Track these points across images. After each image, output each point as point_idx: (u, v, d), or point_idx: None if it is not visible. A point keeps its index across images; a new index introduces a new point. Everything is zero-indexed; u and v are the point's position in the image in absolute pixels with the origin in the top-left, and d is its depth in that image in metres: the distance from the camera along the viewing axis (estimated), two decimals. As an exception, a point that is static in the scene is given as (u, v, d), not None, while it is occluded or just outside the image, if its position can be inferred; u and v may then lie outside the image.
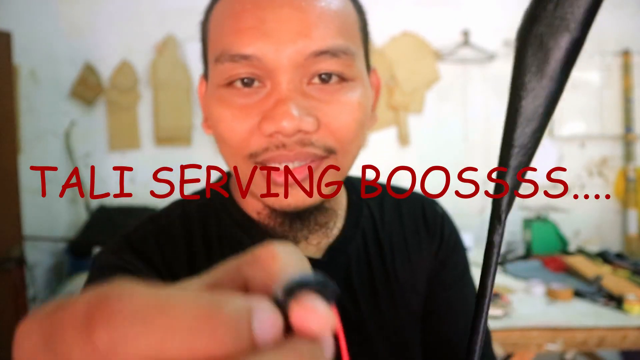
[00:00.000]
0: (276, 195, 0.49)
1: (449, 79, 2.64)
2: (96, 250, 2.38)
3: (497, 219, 0.30)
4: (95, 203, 2.65)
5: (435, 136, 2.67)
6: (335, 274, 0.58)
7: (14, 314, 2.02)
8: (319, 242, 0.58)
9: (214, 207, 0.59)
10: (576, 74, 2.63)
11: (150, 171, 2.68)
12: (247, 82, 0.48)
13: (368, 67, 0.55)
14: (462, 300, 0.64)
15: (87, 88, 2.66)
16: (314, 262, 0.56)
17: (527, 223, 2.22)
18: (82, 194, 2.66)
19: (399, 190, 0.69)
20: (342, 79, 0.49)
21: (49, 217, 2.66)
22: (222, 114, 0.49)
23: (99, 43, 2.66)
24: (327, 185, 0.50)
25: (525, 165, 0.31)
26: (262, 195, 0.50)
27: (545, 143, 2.66)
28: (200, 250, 0.56)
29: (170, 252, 0.55)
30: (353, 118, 0.49)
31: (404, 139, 2.65)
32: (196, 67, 2.62)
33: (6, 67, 2.07)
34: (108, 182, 2.70)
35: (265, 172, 0.49)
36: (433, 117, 2.66)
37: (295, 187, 0.49)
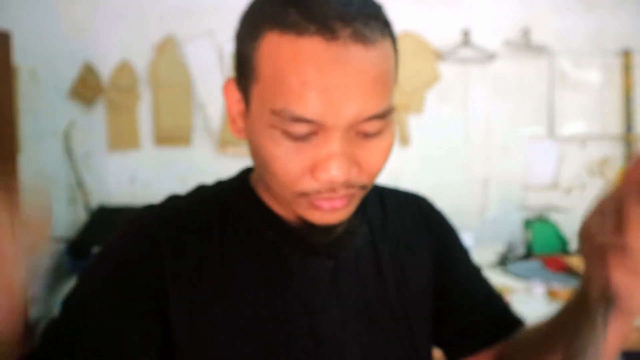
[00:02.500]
0: (320, 216, 0.56)
1: (449, 79, 2.64)
2: (95, 250, 2.38)
3: None
4: (94, 203, 2.65)
5: (435, 136, 2.67)
6: (345, 256, 0.63)
7: (14, 314, 2.02)
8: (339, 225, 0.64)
9: (236, 195, 0.65)
10: (577, 73, 2.63)
11: (150, 171, 2.68)
12: (302, 137, 0.51)
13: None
14: (473, 268, 0.75)
15: (87, 88, 2.66)
16: (325, 244, 0.62)
17: (528, 223, 2.22)
18: (81, 194, 2.66)
19: (393, 189, 0.76)
20: (381, 130, 0.54)
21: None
22: (274, 153, 0.52)
23: (99, 43, 2.66)
24: (355, 207, 0.58)
25: None
26: (307, 215, 0.56)
27: (545, 143, 2.66)
28: (215, 229, 0.61)
29: (186, 227, 0.60)
30: (385, 157, 0.56)
31: (404, 139, 2.65)
32: (196, 67, 2.62)
33: (6, 67, 2.07)
34: (108, 182, 2.70)
35: (311, 201, 0.55)
36: (433, 117, 2.66)
37: (337, 212, 0.55)
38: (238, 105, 0.58)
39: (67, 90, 2.67)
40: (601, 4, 2.62)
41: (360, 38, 0.49)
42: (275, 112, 0.50)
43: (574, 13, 2.63)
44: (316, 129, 0.50)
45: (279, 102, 0.50)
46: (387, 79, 0.53)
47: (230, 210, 0.63)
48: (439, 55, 2.62)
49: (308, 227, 0.59)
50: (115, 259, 0.58)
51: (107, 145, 2.70)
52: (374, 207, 0.70)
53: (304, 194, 0.54)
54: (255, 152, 0.56)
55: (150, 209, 0.63)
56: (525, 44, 2.61)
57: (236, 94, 0.58)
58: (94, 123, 2.69)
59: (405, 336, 0.65)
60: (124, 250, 0.59)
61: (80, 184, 2.65)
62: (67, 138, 2.67)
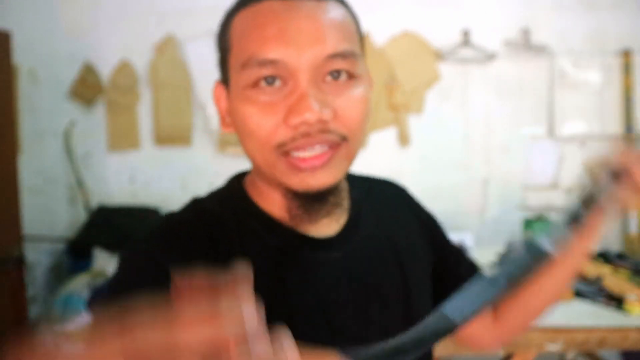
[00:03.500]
0: (300, 179, 0.56)
1: (449, 79, 2.64)
2: (95, 250, 2.38)
3: None
4: (94, 203, 2.65)
5: (435, 136, 2.67)
6: (355, 246, 0.65)
7: (14, 313, 2.02)
8: (339, 219, 0.66)
9: (232, 204, 0.65)
10: (577, 73, 2.63)
11: (150, 171, 2.68)
12: (270, 81, 0.55)
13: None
14: (455, 248, 0.80)
15: (87, 88, 2.66)
16: (335, 239, 0.64)
17: (528, 223, 2.22)
18: (81, 194, 2.66)
19: (367, 176, 0.79)
20: (350, 76, 0.57)
21: (49, 217, 2.66)
22: (249, 112, 0.56)
23: (99, 43, 2.66)
24: (342, 168, 0.59)
25: None
26: (287, 180, 0.57)
27: (545, 143, 2.66)
28: (221, 243, 0.61)
29: (191, 245, 0.59)
30: (361, 109, 0.58)
31: (404, 139, 2.65)
32: (196, 67, 2.62)
33: (6, 66, 2.07)
34: (108, 182, 2.70)
35: (290, 160, 0.56)
36: (433, 117, 2.66)
37: (316, 171, 0.56)
38: (225, 102, 0.62)
39: (67, 90, 2.67)
40: (601, 4, 2.62)
41: None
42: (244, 65, 0.55)
43: (574, 13, 2.63)
44: (284, 75, 0.54)
45: (245, 54, 0.56)
46: (344, 28, 0.57)
47: (230, 221, 0.62)
48: (439, 55, 2.62)
49: (301, 215, 0.60)
50: (126, 282, 0.57)
51: (107, 145, 2.70)
52: (362, 196, 0.72)
53: (280, 147, 0.55)
54: (237, 126, 0.59)
55: (150, 237, 0.60)
56: (525, 44, 2.61)
57: (222, 92, 0.63)
58: (94, 123, 2.69)
59: (411, 317, 0.66)
60: (135, 276, 0.57)
61: (80, 184, 2.65)
62: (67, 138, 2.67)
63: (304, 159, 0.56)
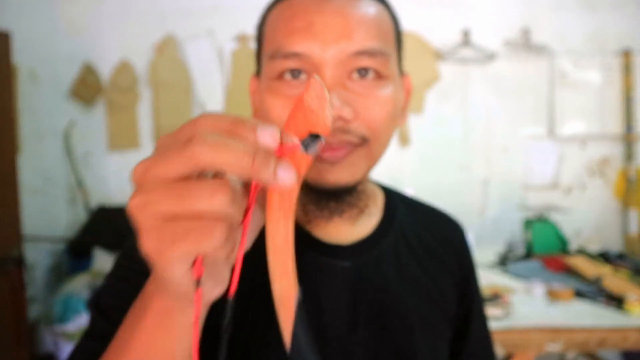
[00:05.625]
0: (318, 171, 0.55)
1: (449, 78, 2.64)
2: (95, 250, 2.38)
3: None
4: (94, 203, 2.65)
5: (435, 136, 2.67)
6: (368, 262, 0.62)
7: (13, 314, 2.02)
8: (358, 229, 0.63)
9: None
10: (577, 73, 2.63)
11: (150, 171, 2.67)
12: (296, 75, 0.55)
13: (401, 71, 0.62)
14: (484, 327, 0.73)
15: (87, 88, 2.65)
16: (347, 247, 0.62)
17: (528, 223, 2.22)
18: (81, 194, 2.66)
19: (427, 205, 0.75)
20: (378, 76, 0.55)
21: (49, 217, 2.66)
22: (273, 103, 0.55)
23: (99, 43, 2.66)
24: (360, 168, 0.57)
25: None
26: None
27: (545, 143, 2.66)
28: None
29: None
30: (386, 111, 0.56)
31: (404, 138, 2.65)
32: (196, 67, 2.62)
33: (6, 67, 2.07)
34: (108, 182, 2.70)
35: None
36: (433, 117, 2.66)
37: (334, 166, 0.55)
38: (257, 95, 0.62)
39: (67, 90, 2.67)
40: (601, 4, 2.62)
41: None
42: (271, 57, 0.55)
43: (574, 13, 2.63)
44: (308, 69, 0.54)
45: (273, 46, 0.55)
46: (376, 25, 0.56)
47: None
48: (439, 55, 2.61)
49: (314, 211, 0.60)
50: (134, 243, 0.57)
51: (107, 145, 2.70)
52: (404, 217, 0.68)
53: None
54: (262, 117, 0.58)
55: None
56: (525, 44, 2.61)
57: (255, 84, 0.63)
58: (93, 123, 2.69)
59: (414, 351, 0.62)
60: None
61: (80, 184, 2.65)
62: (67, 138, 2.67)
63: (323, 150, 0.53)
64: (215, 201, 0.30)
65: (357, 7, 0.55)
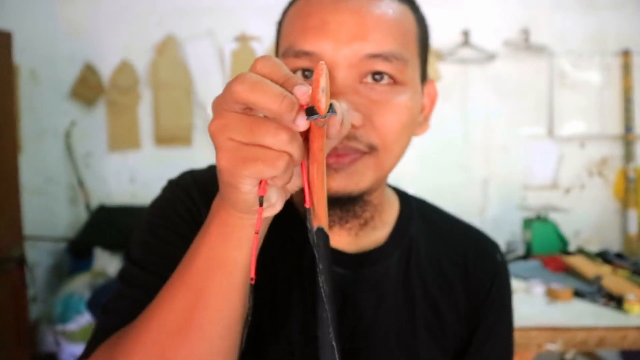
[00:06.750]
0: None
1: (449, 79, 2.64)
2: (96, 250, 2.38)
3: None
4: (95, 203, 2.65)
5: (435, 136, 2.67)
6: (369, 271, 0.59)
7: (14, 313, 2.02)
8: (357, 233, 0.59)
9: None
10: (576, 73, 2.63)
11: (150, 171, 2.68)
12: (308, 75, 0.52)
13: (424, 77, 0.59)
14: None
15: (87, 88, 2.66)
16: (350, 255, 0.59)
17: (527, 223, 2.22)
18: (82, 194, 2.66)
19: (460, 226, 0.68)
20: (393, 81, 0.52)
21: (49, 217, 2.66)
22: None
23: (99, 43, 2.66)
24: (366, 178, 0.53)
25: None
26: None
27: (545, 143, 2.66)
28: None
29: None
30: (398, 119, 0.53)
31: (404, 139, 2.65)
32: (196, 67, 2.62)
33: (6, 67, 2.07)
34: (108, 182, 2.70)
35: None
36: (433, 117, 2.65)
37: (339, 172, 0.51)
38: None
39: (68, 90, 2.67)
40: (601, 4, 2.62)
41: None
42: (283, 55, 0.53)
43: (574, 13, 2.63)
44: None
45: (286, 44, 0.54)
46: (395, 28, 0.53)
47: None
48: (439, 55, 2.62)
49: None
50: (163, 204, 0.60)
51: (107, 145, 2.70)
52: (420, 235, 0.64)
53: None
54: None
55: (190, 173, 0.63)
56: (525, 44, 2.61)
57: None
58: (94, 123, 2.70)
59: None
60: (169, 200, 0.60)
61: (80, 184, 2.66)
62: (67, 138, 2.67)
63: (328, 155, 0.50)
64: (278, 138, 0.35)
65: (376, 7, 0.52)
